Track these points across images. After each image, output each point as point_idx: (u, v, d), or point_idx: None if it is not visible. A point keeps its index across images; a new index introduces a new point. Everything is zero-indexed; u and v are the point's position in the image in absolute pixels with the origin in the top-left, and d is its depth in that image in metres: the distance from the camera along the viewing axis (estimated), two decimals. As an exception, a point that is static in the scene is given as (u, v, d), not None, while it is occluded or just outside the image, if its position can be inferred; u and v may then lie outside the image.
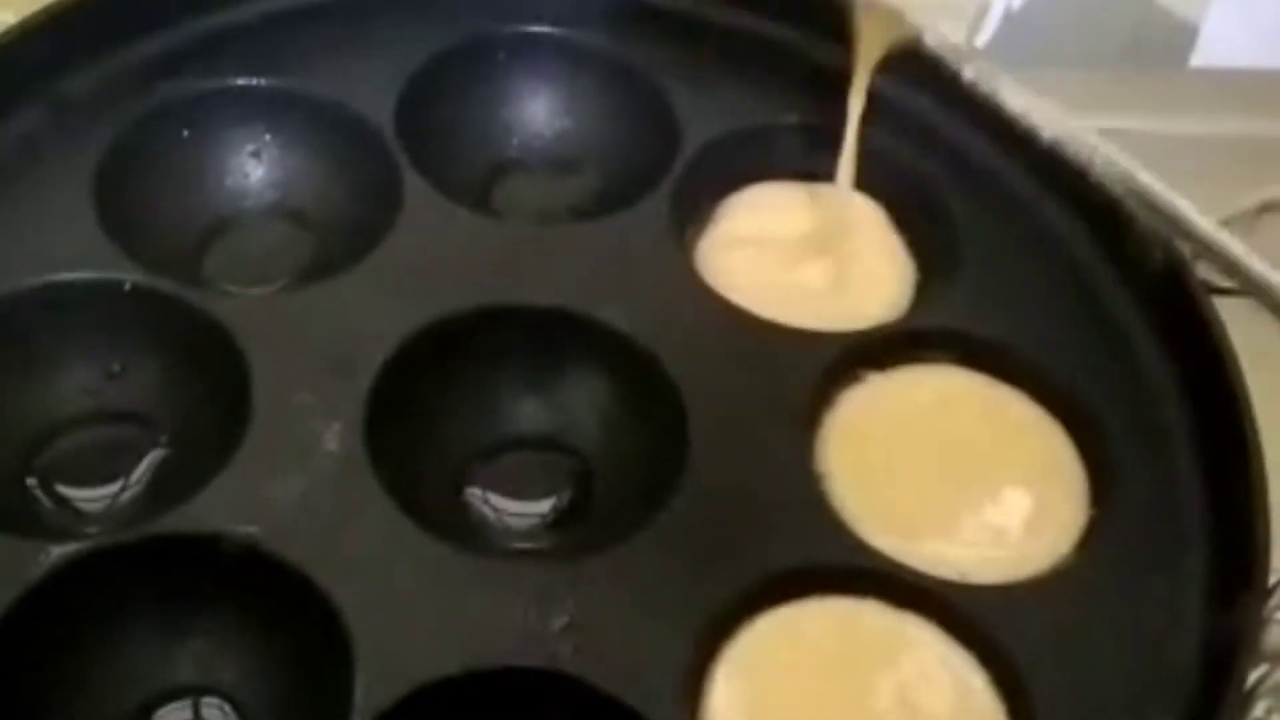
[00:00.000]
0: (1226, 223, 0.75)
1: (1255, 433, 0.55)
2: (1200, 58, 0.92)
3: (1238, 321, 0.60)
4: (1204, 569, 0.55)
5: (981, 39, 0.89)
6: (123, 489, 0.59)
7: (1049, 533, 0.57)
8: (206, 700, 0.54)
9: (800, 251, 0.65)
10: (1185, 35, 0.92)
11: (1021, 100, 0.62)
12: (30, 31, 0.62)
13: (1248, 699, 0.53)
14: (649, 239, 0.63)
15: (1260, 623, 0.51)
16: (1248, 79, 0.89)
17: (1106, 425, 0.59)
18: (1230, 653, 0.51)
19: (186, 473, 0.57)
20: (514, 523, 0.60)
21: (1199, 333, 0.58)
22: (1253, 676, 0.53)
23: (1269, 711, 0.52)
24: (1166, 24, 0.92)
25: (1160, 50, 0.93)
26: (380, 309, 0.60)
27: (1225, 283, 0.61)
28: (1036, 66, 0.85)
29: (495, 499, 0.60)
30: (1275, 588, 0.52)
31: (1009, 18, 0.90)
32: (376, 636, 0.52)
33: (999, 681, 0.54)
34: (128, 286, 0.59)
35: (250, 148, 0.66)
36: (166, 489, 0.58)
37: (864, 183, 0.66)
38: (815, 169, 0.66)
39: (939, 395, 0.61)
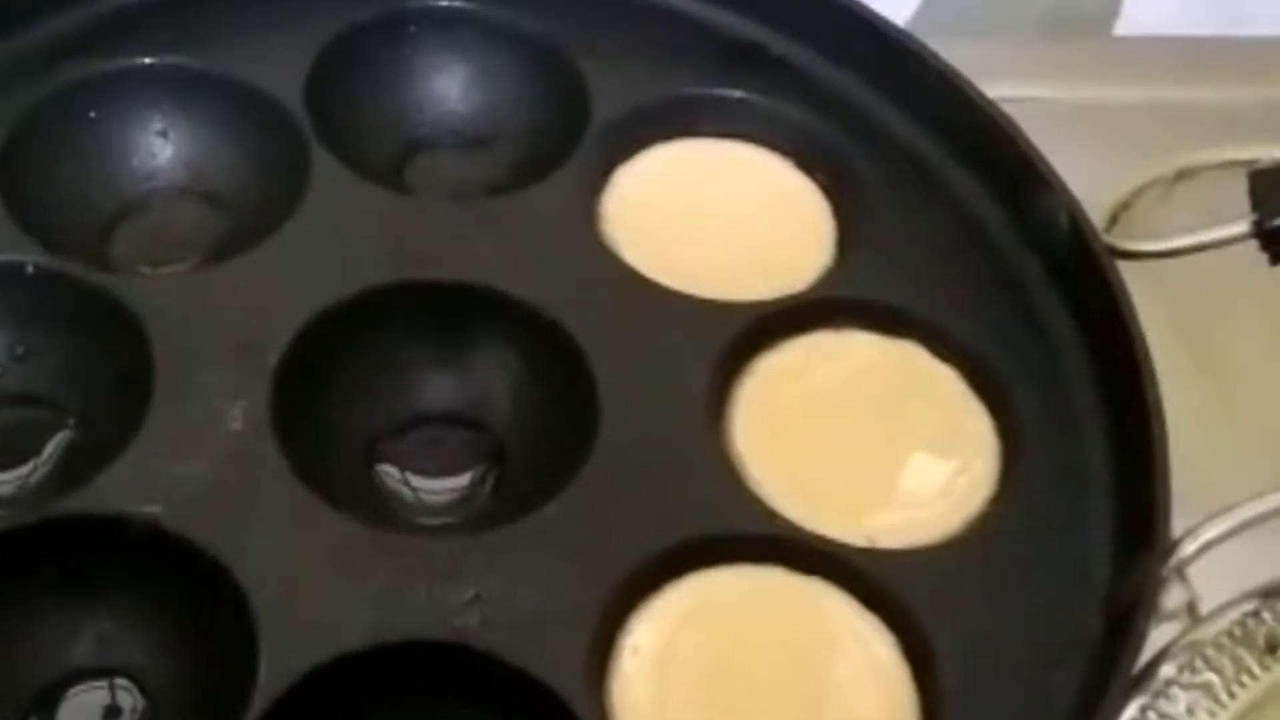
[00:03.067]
0: (1144, 188, 0.76)
1: (1157, 394, 0.55)
2: (1124, 26, 0.92)
3: (1141, 284, 0.61)
4: (1109, 530, 0.55)
5: (904, 10, 0.89)
6: (32, 471, 0.59)
7: (958, 497, 0.58)
8: (111, 681, 0.54)
9: (710, 217, 0.65)
10: (1109, 3, 0.92)
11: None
12: (-70, 11, 0.62)
13: (1159, 658, 0.53)
14: (558, 212, 0.63)
15: (1159, 581, 0.51)
16: (1171, 46, 0.89)
17: (1014, 389, 0.59)
18: (1130, 613, 0.51)
19: (94, 454, 0.56)
20: (427, 499, 0.60)
21: (1103, 296, 0.58)
22: (1166, 636, 0.53)
23: (1181, 670, 0.53)
24: (1091, -7, 0.92)
25: (1082, 20, 0.93)
26: (286, 287, 0.59)
27: (1130, 246, 0.61)
28: (963, 36, 0.86)
29: (408, 476, 0.60)
30: (1174, 546, 0.52)
31: (934, -12, 0.90)
32: (280, 614, 0.51)
33: (906, 646, 0.54)
34: (30, 269, 0.59)
35: (158, 127, 0.66)
36: (75, 470, 0.57)
37: (773, 148, 0.66)
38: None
39: (849, 362, 0.61)
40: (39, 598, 0.54)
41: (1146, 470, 0.53)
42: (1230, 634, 0.52)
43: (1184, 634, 0.54)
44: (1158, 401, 0.55)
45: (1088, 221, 0.60)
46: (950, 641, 0.53)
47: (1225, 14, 0.90)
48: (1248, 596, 0.54)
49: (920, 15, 0.90)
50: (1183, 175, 0.78)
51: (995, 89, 0.72)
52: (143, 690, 0.54)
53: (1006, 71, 0.83)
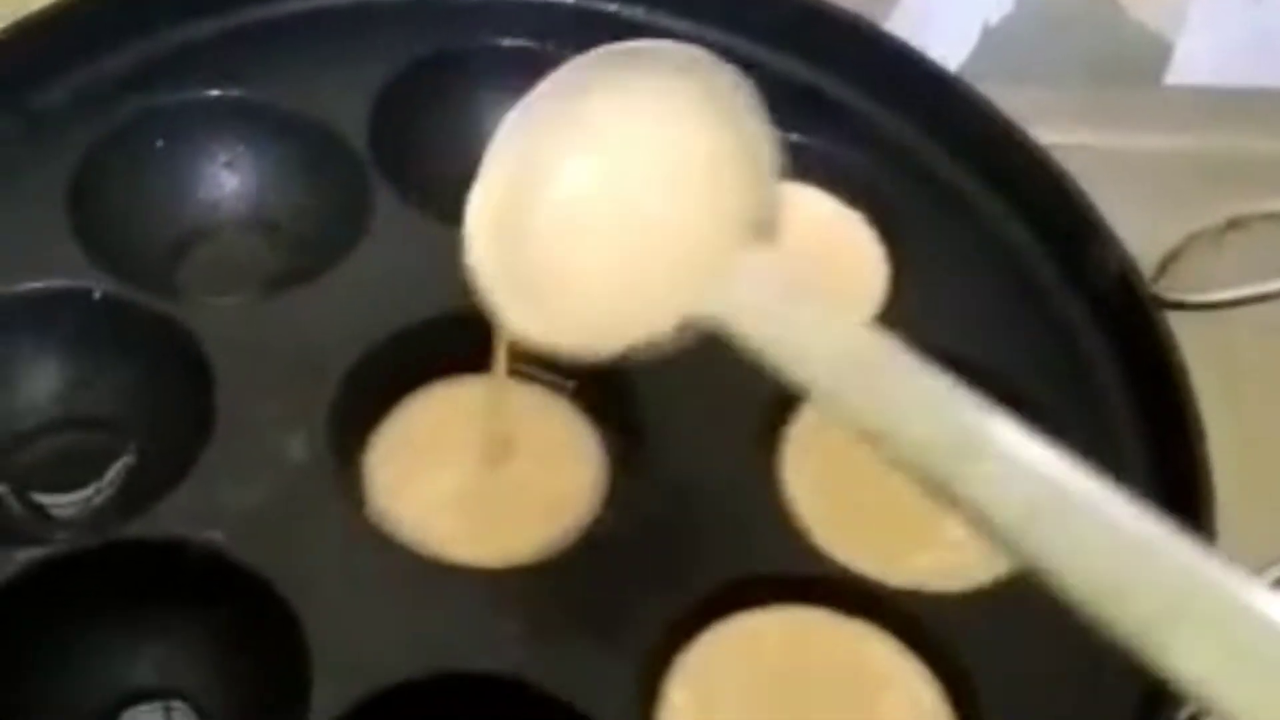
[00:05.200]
0: (1194, 238, 0.77)
1: (1204, 447, 0.56)
2: (1174, 75, 0.93)
3: (1190, 335, 0.61)
4: (1153, 579, 0.55)
5: (958, 55, 0.90)
6: (93, 495, 0.60)
7: (1004, 542, 0.58)
8: (168, 704, 0.55)
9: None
10: (1159, 52, 0.93)
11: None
12: (2, 44, 0.63)
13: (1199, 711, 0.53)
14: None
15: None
16: (1220, 96, 0.90)
17: (1062, 436, 0.59)
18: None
19: (155, 479, 0.57)
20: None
21: (1151, 346, 0.59)
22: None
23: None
24: (1140, 41, 0.92)
25: (1134, 67, 0.93)
26: (347, 318, 0.61)
27: (1179, 296, 0.62)
28: (1013, 83, 0.87)
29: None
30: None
31: (986, 33, 0.91)
32: (334, 642, 0.52)
33: (949, 689, 0.54)
34: (97, 295, 0.60)
35: (224, 159, 0.67)
36: (136, 495, 0.58)
37: (829, 192, 0.67)
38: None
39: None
40: (98, 620, 0.55)
41: (1191, 521, 0.54)
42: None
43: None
44: (1204, 454, 0.55)
45: (1136, 270, 0.61)
46: (994, 685, 0.53)
47: (1276, 64, 0.90)
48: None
49: (973, 60, 0.91)
50: (1233, 225, 0.78)
51: (1045, 135, 0.73)
52: (199, 713, 0.55)
53: (1056, 118, 0.84)
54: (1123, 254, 0.61)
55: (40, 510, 0.59)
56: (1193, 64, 0.92)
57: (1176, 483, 0.56)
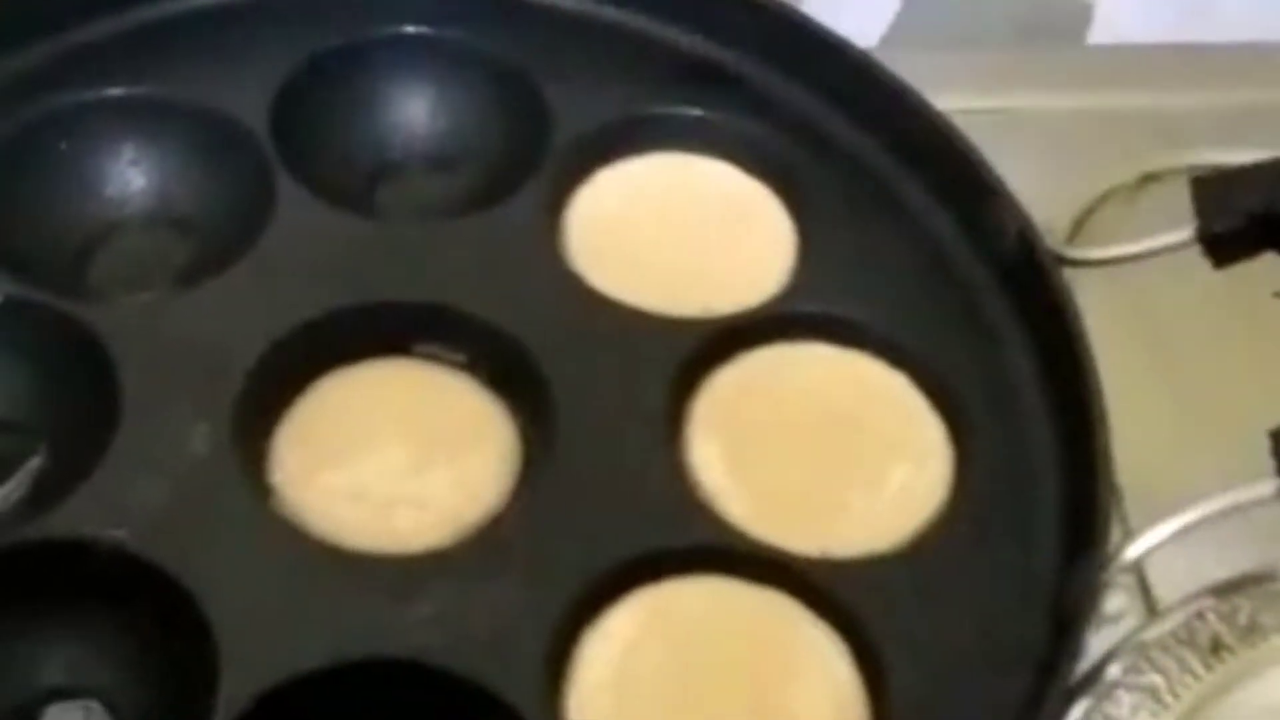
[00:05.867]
0: (1107, 195, 0.77)
1: (1101, 399, 0.56)
2: (1097, 34, 0.93)
3: (1091, 293, 0.61)
4: (1055, 534, 0.56)
5: (881, 21, 0.90)
6: (4, 496, 0.60)
7: (910, 505, 0.58)
8: (79, 703, 0.55)
9: (669, 233, 0.66)
10: (1081, 14, 0.93)
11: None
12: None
13: (1107, 659, 0.54)
14: (519, 232, 0.64)
15: (1101, 587, 0.52)
16: (1140, 54, 0.90)
17: (965, 397, 0.60)
18: (1073, 618, 0.52)
19: (63, 479, 0.57)
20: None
21: (1050, 303, 0.59)
22: (1108, 643, 0.54)
23: (1126, 671, 0.53)
24: (1062, 2, 0.93)
25: (1057, 27, 0.94)
26: (250, 313, 0.61)
27: (1075, 254, 0.62)
28: (936, 47, 0.87)
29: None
30: (1117, 551, 0.53)
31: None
32: (241, 634, 0.52)
33: (858, 655, 0.55)
34: (1, 299, 0.60)
35: (129, 156, 0.67)
36: (44, 495, 0.58)
37: (731, 164, 0.67)
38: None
39: (805, 373, 0.62)
40: (8, 621, 0.55)
41: (1090, 475, 0.54)
42: (1175, 635, 0.53)
43: (1132, 634, 0.55)
44: (1102, 407, 0.56)
45: (1034, 230, 0.61)
46: (901, 649, 0.54)
47: (1196, 21, 0.90)
48: (1196, 596, 0.55)
49: (895, 26, 0.91)
50: (1147, 180, 0.79)
51: (967, 99, 0.73)
52: (113, 711, 0.55)
53: (979, 81, 0.84)
54: (1020, 212, 0.61)
55: (-50, 515, 0.59)
56: (1114, 22, 0.92)
57: (1079, 437, 0.56)
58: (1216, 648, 0.53)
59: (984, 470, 0.58)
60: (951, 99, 0.68)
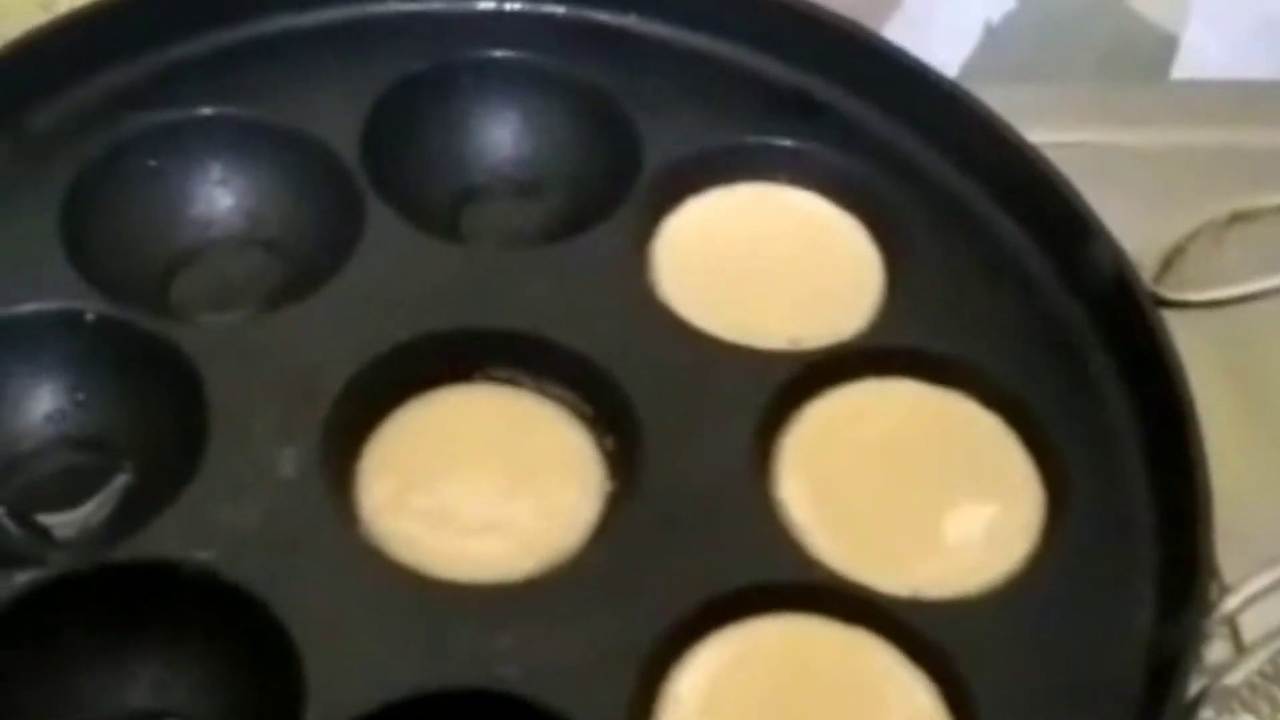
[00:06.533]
0: (1196, 232, 0.76)
1: (1201, 445, 0.55)
2: (1181, 69, 0.92)
3: (1185, 334, 0.61)
4: (1151, 581, 0.55)
5: (961, 54, 0.90)
6: (91, 514, 0.60)
7: (1002, 546, 0.58)
8: (164, 724, 0.55)
9: (758, 265, 0.65)
10: (1165, 46, 0.92)
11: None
12: (-4, 64, 0.63)
13: (1191, 708, 0.53)
14: (608, 260, 0.64)
15: (1202, 636, 0.51)
16: (1227, 89, 0.89)
17: (1059, 438, 0.59)
18: (1172, 666, 0.51)
19: (150, 498, 0.57)
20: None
21: (1148, 345, 0.58)
22: (1196, 686, 0.53)
23: (1219, 713, 0.53)
24: (1146, 35, 0.92)
25: (1140, 62, 0.93)
26: (338, 336, 0.60)
27: (1173, 295, 0.61)
28: (1017, 80, 0.86)
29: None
30: (1219, 600, 0.52)
31: (989, 31, 0.91)
32: (326, 660, 0.52)
33: (947, 696, 0.54)
34: (90, 317, 0.60)
35: (217, 176, 0.67)
36: (131, 514, 0.58)
37: (822, 195, 0.67)
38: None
39: (895, 410, 0.61)
40: (94, 641, 0.55)
41: (1190, 522, 0.53)
42: (1262, 673, 0.52)
43: (1220, 675, 0.54)
44: (1202, 453, 0.55)
45: (1132, 269, 0.60)
46: (991, 692, 0.53)
47: (1281, 54, 0.89)
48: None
49: (976, 57, 0.90)
50: (1237, 219, 0.78)
51: (1050, 133, 0.72)
52: (195, 733, 0.56)
53: (1062, 115, 0.83)
54: (1118, 253, 0.60)
55: (39, 531, 0.59)
56: (1199, 56, 0.91)
57: (1176, 482, 0.56)
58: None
59: (1078, 514, 0.57)
60: (1031, 132, 0.67)
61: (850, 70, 0.67)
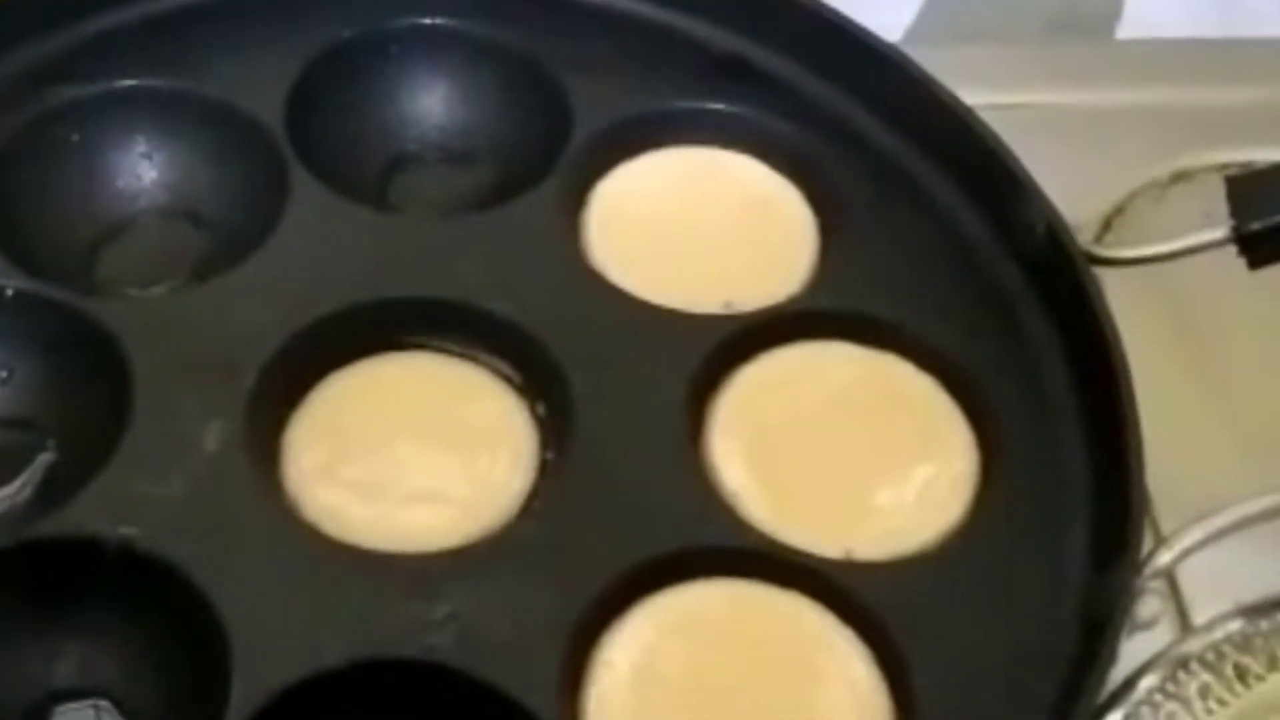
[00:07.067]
0: (1138, 192, 0.76)
1: (1133, 401, 0.55)
2: (1126, 29, 0.92)
3: (1124, 291, 0.60)
4: (1085, 539, 0.55)
5: (906, 16, 0.89)
6: (15, 493, 0.59)
7: (936, 507, 0.57)
8: (89, 702, 0.54)
9: (692, 229, 0.65)
10: (1110, 7, 0.91)
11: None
12: (-88, 39, 0.62)
13: (1141, 671, 0.53)
14: (540, 227, 0.63)
15: (1134, 591, 0.51)
16: (1171, 49, 0.88)
17: (993, 397, 0.59)
18: (1105, 622, 0.50)
19: (75, 475, 0.57)
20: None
21: (1080, 302, 0.58)
22: (1149, 651, 0.53)
23: (1164, 680, 0.52)
24: (1093, -4, 0.92)
25: (1086, 22, 0.92)
26: (264, 308, 0.60)
27: (1105, 252, 0.61)
28: (963, 41, 0.86)
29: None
30: (1150, 556, 0.52)
31: (934, -8, 0.90)
32: (254, 633, 0.51)
33: (881, 658, 0.53)
34: (10, 293, 0.59)
35: (141, 149, 0.66)
36: (56, 491, 0.57)
37: (755, 159, 0.66)
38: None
39: (829, 373, 0.61)
40: (19, 620, 0.54)
41: (1122, 477, 0.53)
42: (1202, 659, 0.52)
43: (1168, 648, 0.53)
44: (1133, 408, 0.54)
45: (1064, 226, 0.60)
46: (926, 653, 0.53)
47: (1228, 15, 0.89)
48: (1229, 616, 0.54)
49: (921, 20, 0.89)
50: (1179, 178, 0.78)
51: (995, 94, 0.72)
52: (123, 711, 0.54)
53: (1007, 76, 0.83)
54: (1050, 211, 0.60)
55: (-41, 512, 0.59)
56: (1144, 17, 0.91)
57: (1110, 439, 0.55)
58: (1243, 675, 0.52)
59: (1012, 473, 0.57)
60: (976, 94, 0.67)
61: (782, 32, 0.67)
